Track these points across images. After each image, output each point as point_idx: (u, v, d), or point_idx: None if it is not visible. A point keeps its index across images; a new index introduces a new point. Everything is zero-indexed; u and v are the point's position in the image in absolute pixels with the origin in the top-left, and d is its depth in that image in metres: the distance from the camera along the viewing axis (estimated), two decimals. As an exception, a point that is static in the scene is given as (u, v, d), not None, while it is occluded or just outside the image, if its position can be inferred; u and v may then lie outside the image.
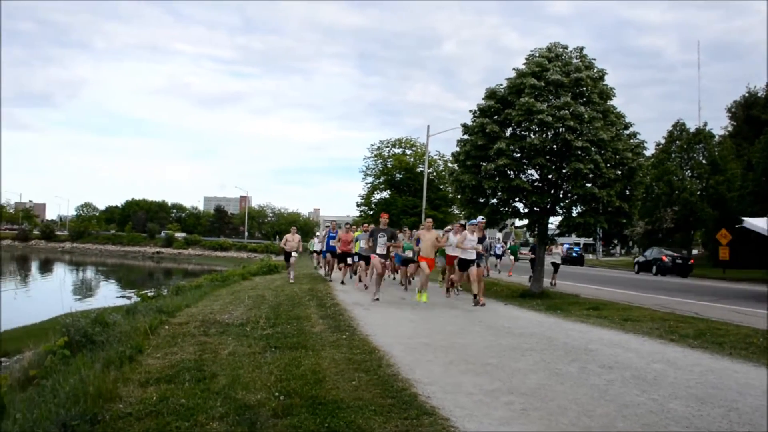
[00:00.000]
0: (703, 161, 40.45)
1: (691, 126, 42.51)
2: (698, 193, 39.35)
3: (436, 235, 14.12)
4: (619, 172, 14.82)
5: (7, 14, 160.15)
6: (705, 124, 42.48)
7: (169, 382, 5.77)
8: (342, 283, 18.66)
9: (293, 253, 19.48)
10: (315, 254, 28.06)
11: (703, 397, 5.40)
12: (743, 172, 37.48)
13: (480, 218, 14.35)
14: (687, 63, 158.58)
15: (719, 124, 55.78)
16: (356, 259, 18.10)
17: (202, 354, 7.08)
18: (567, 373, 6.37)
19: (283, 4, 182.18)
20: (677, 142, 41.83)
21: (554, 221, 16.72)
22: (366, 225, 19.48)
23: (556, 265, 20.84)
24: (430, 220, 14.55)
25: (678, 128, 42.57)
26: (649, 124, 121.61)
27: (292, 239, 19.40)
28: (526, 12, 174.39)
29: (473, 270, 13.43)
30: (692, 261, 33.37)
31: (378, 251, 14.09)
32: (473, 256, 13.50)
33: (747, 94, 45.37)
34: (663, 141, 43.30)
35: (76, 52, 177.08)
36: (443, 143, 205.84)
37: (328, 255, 20.46)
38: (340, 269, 20.27)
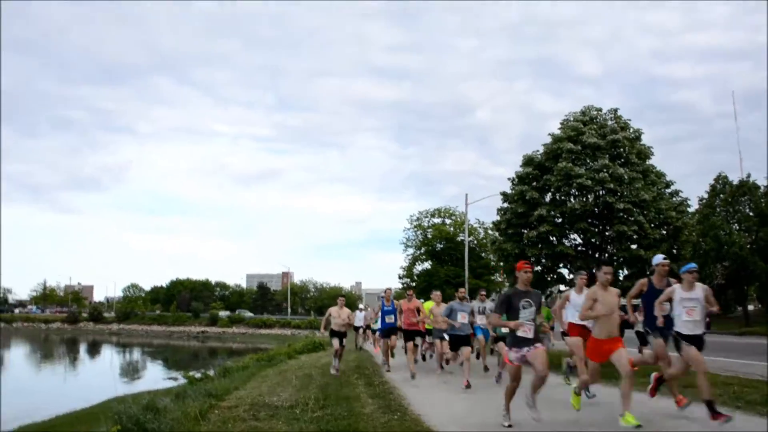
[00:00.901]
0: (750, 213, 39.51)
1: (734, 178, 41.84)
2: (748, 246, 38.28)
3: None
4: (664, 232, 14.60)
5: (62, 101, 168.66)
6: (749, 175, 41.74)
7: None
8: (412, 377, 12.86)
9: (343, 333, 14.53)
10: (360, 331, 25.75)
11: None
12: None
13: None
14: (723, 114, 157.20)
15: (762, 174, 54.84)
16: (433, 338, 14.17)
17: (253, 439, 7.00)
18: None
19: (317, 81, 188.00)
20: (721, 195, 41.06)
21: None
22: (437, 293, 14.30)
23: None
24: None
25: (720, 181, 41.87)
26: (690, 179, 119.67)
27: (339, 314, 14.56)
28: (556, 74, 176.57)
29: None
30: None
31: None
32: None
33: (790, 143, 44.60)
34: (706, 195, 42.57)
35: (123, 136, 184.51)
36: (481, 210, 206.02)
37: (390, 337, 15.15)
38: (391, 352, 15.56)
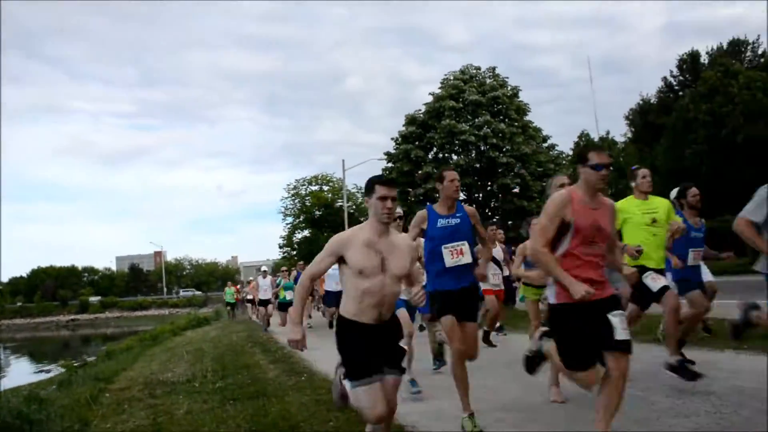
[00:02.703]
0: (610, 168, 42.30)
1: (594, 136, 44.51)
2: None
3: None
4: (544, 184, 15.26)
5: None
6: (608, 132, 44.56)
7: (129, 452, 5.29)
8: None
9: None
10: (250, 305, 26.31)
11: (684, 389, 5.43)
12: (649, 175, 39.46)
13: None
14: (580, 79, 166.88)
15: (617, 132, 58.79)
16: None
17: (156, 417, 6.57)
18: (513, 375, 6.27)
19: (183, 54, 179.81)
20: (583, 152, 43.65)
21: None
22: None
23: None
24: None
25: (583, 139, 44.48)
26: (554, 140, 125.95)
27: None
28: (424, 42, 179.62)
29: None
30: None
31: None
32: None
33: (641, 102, 47.99)
34: (570, 153, 45.14)
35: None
36: (358, 177, 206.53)
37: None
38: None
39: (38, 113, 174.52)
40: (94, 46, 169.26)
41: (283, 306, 17.80)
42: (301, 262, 18.65)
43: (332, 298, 13.06)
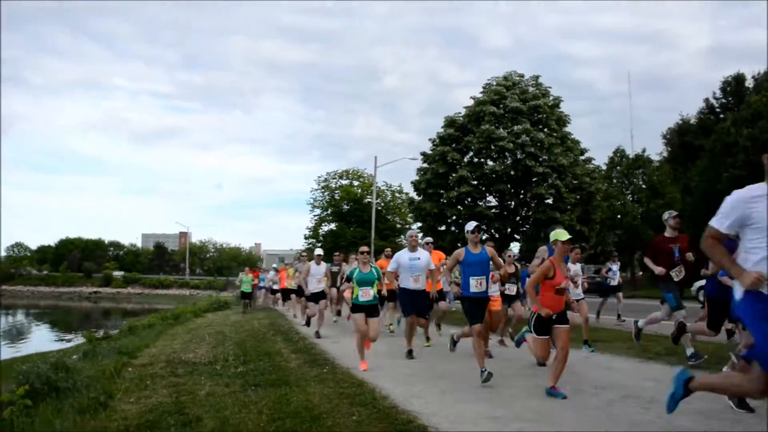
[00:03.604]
0: (643, 186, 41.75)
1: (629, 153, 43.95)
2: (639, 216, 40.52)
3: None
4: (578, 197, 15.05)
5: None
6: (644, 150, 43.99)
7: (152, 428, 5.33)
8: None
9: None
10: (270, 293, 24.98)
11: (706, 411, 5.31)
12: (682, 195, 38.83)
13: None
14: (618, 93, 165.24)
15: (653, 150, 58.02)
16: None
17: (178, 396, 6.62)
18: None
19: (225, 40, 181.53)
20: (618, 168, 43.10)
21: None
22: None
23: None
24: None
25: (618, 154, 43.92)
26: (589, 154, 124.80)
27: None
28: (464, 44, 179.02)
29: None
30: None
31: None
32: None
33: (681, 121, 47.32)
34: (604, 168, 44.60)
35: (8, 86, 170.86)
36: (388, 174, 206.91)
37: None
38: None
39: (79, 87, 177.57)
40: (141, 26, 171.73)
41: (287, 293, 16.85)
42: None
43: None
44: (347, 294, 12.12)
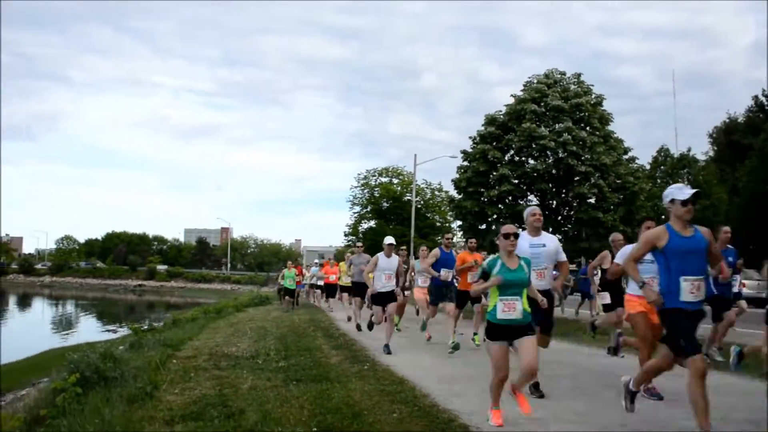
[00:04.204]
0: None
1: (674, 152, 43.09)
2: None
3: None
4: (622, 197, 14.82)
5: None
6: (689, 150, 43.02)
7: (197, 419, 5.45)
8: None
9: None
10: (312, 289, 23.88)
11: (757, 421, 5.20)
12: (729, 196, 37.86)
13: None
14: (661, 92, 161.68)
15: (698, 150, 56.69)
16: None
17: (221, 389, 6.76)
18: (608, 399, 6.14)
19: (263, 38, 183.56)
20: (662, 167, 42.25)
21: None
22: (424, 248, 12.71)
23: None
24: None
25: (662, 154, 43.06)
26: (633, 153, 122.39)
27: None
28: (502, 43, 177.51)
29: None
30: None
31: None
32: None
33: (728, 120, 46.14)
34: (648, 167, 43.80)
35: (55, 84, 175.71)
36: (427, 173, 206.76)
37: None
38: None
39: (121, 85, 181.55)
40: (181, 24, 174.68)
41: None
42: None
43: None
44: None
